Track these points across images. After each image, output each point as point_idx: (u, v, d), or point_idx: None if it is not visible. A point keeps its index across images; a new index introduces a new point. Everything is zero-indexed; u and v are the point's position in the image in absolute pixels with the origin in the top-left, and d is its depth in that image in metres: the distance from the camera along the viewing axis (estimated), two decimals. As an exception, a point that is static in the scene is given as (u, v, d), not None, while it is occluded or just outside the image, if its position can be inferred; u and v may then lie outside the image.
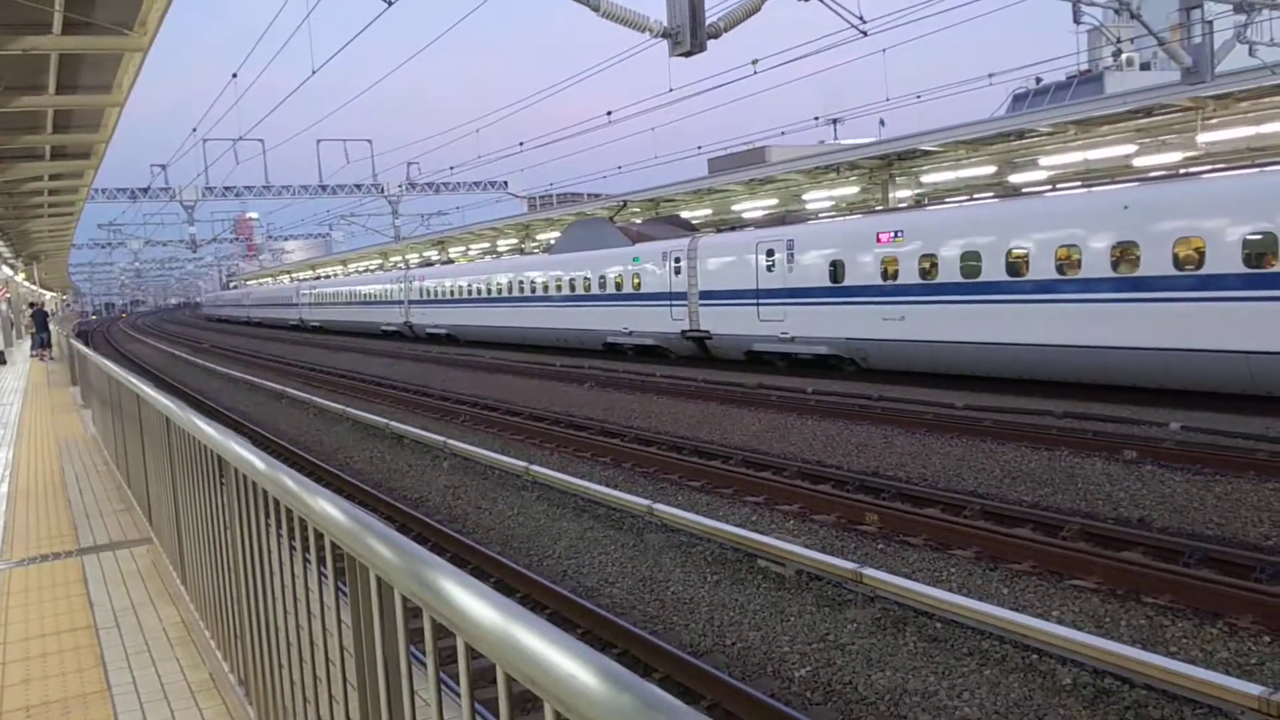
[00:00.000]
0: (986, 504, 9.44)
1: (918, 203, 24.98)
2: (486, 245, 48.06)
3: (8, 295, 41.21)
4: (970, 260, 16.43)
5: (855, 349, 18.92)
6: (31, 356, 29.74)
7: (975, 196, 21.86)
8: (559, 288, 29.34)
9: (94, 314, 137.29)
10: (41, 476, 9.14)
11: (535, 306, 30.81)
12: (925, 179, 24.41)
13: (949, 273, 16.81)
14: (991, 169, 22.30)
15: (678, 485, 11.49)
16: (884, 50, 21.86)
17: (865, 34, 12.43)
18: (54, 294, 71.48)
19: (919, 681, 6.02)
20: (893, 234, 17.89)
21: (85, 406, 13.76)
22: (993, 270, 16.06)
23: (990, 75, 23.55)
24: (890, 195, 23.69)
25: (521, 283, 31.63)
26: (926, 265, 17.26)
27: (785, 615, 7.24)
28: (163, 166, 43.67)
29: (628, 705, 0.99)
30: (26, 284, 50.35)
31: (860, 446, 12.81)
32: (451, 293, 37.31)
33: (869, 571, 7.25)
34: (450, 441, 14.29)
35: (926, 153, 21.65)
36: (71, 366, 18.27)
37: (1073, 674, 5.86)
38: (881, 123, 37.87)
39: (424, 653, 1.63)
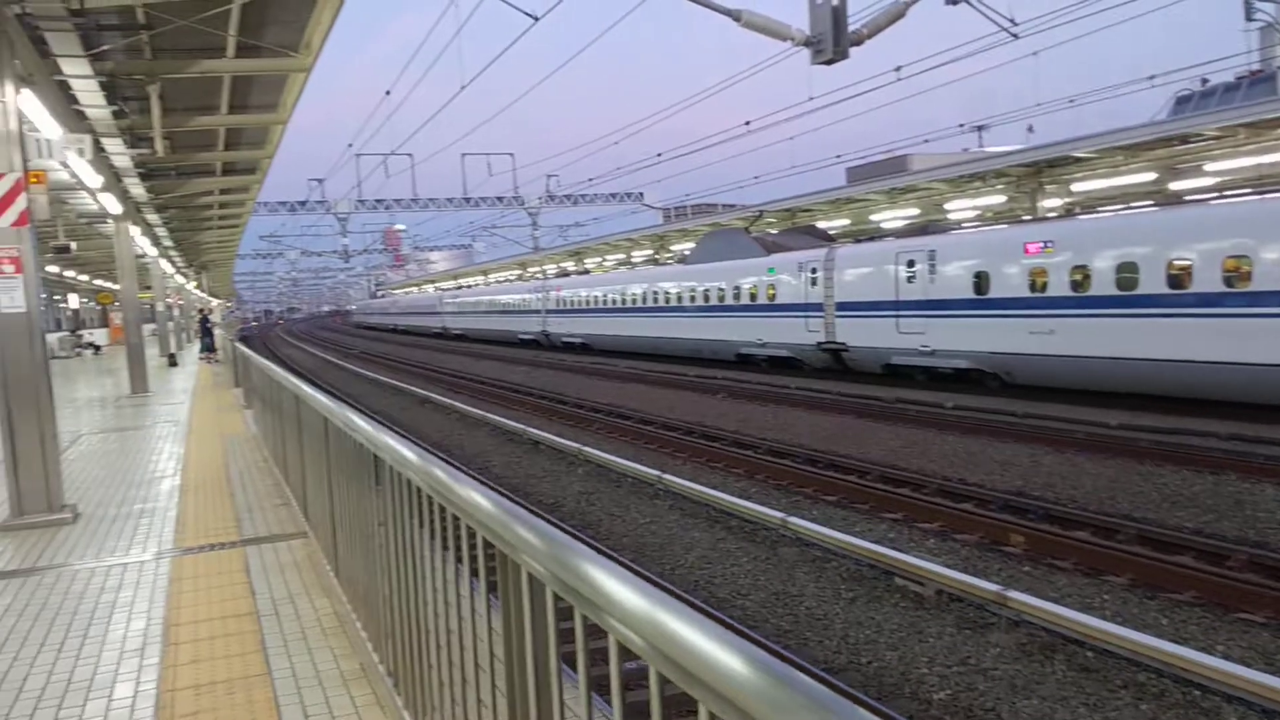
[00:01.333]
0: (1143, 529, 8.91)
1: (1068, 212, 23.88)
2: (621, 256, 48.67)
3: (180, 302, 44.27)
4: (1127, 272, 15.60)
5: (999, 363, 18.22)
6: (200, 359, 31.81)
7: (1132, 205, 20.74)
8: (693, 298, 29.41)
9: (254, 320, 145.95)
10: (208, 471, 9.75)
11: (669, 317, 30.97)
12: (1077, 187, 23.32)
13: (1103, 285, 16.00)
14: (1151, 176, 21.12)
15: (812, 499, 11.31)
16: (1035, 53, 21.03)
17: (1016, 37, 11.99)
18: (219, 301, 76.43)
19: (1068, 712, 5.73)
20: (1042, 244, 17.16)
21: (247, 407, 14.63)
22: (1151, 282, 15.19)
23: (1151, 77, 22.33)
24: (1039, 204, 22.75)
25: (655, 293, 31.86)
26: (1078, 277, 16.48)
27: (924, 636, 7.02)
28: (319, 180, 46.16)
29: (791, 701, 0.97)
30: (196, 292, 53.98)
31: (1004, 464, 12.32)
32: (587, 303, 37.93)
33: (1014, 594, 6.96)
34: (585, 448, 14.50)
35: (1079, 159, 20.70)
36: (235, 369, 19.46)
37: (1239, 713, 5.46)
38: (1030, 129, 36.43)
39: (573, 650, 1.64)
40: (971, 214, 27.32)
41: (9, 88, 7.25)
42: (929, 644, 6.89)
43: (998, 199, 24.95)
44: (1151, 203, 20.22)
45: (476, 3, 13.43)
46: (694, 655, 1.14)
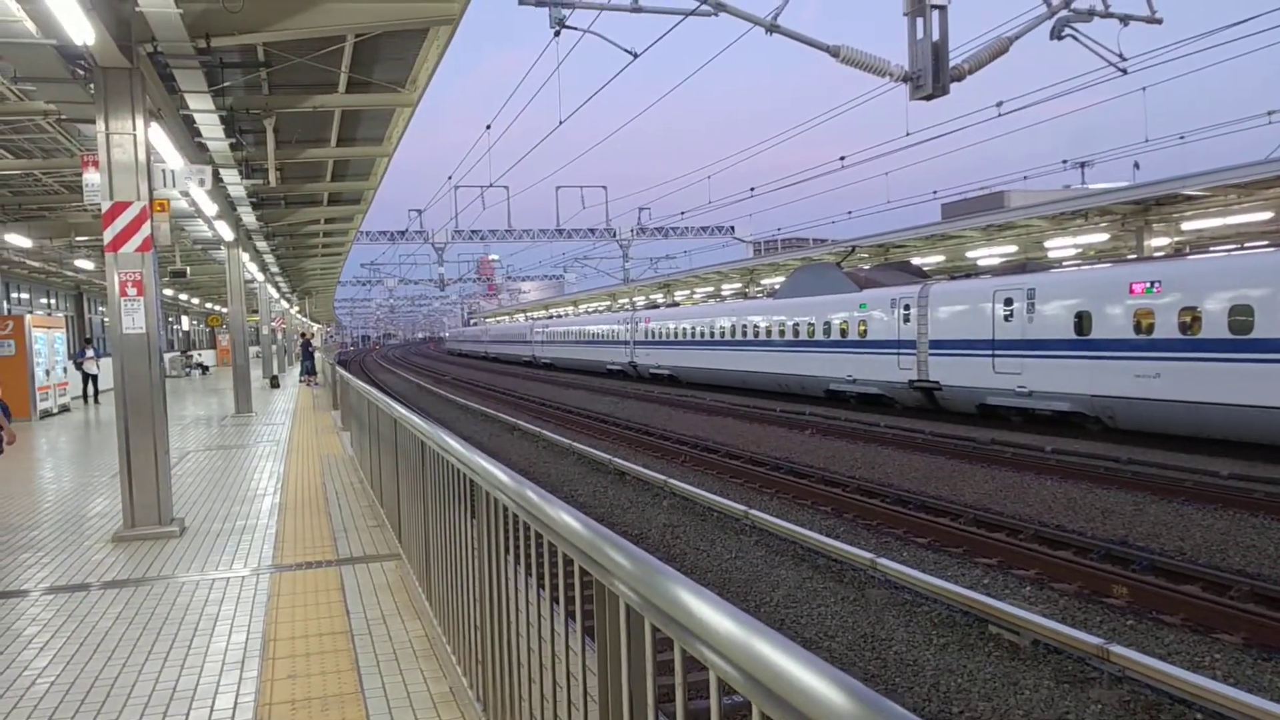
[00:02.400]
0: (1258, 586, 8.44)
1: (1177, 251, 23.03)
2: (710, 289, 48.70)
3: (283, 326, 45.93)
4: (1241, 315, 14.93)
5: (1102, 407, 17.59)
6: (299, 382, 32.89)
7: (1246, 245, 19.90)
8: (782, 332, 29.22)
9: (352, 345, 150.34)
10: (307, 491, 10.05)
11: (757, 351, 30.81)
12: (1186, 225, 22.49)
13: (1215, 328, 15.34)
14: (1267, 215, 20.23)
15: (902, 540, 11.06)
16: (1144, 89, 20.41)
17: (1125, 72, 11.67)
18: (320, 326, 79.01)
19: (1176, 777, 5.44)
20: (1148, 284, 16.57)
21: (344, 429, 15.05)
22: (1268, 326, 14.51)
23: (1270, 112, 21.42)
24: (1145, 243, 21.99)
25: (744, 326, 31.76)
26: (1188, 319, 15.85)
27: (1019, 688, 6.77)
28: (419, 211, 47.49)
29: None
30: (299, 316, 55.93)
31: (1106, 512, 11.86)
32: (675, 335, 38.01)
33: (1117, 649, 6.66)
34: (670, 480, 14.48)
35: (1189, 197, 19.96)
36: (334, 391, 20.06)
37: (1369, 790, 5.11)
38: (1136, 166, 35.30)
39: (670, 684, 1.64)
40: (1072, 252, 26.57)
41: (140, 121, 7.69)
42: (1024, 696, 6.64)
43: (1101, 237, 24.20)
44: (1267, 243, 19.36)
45: (576, 39, 13.74)
46: (800, 691, 1.12)
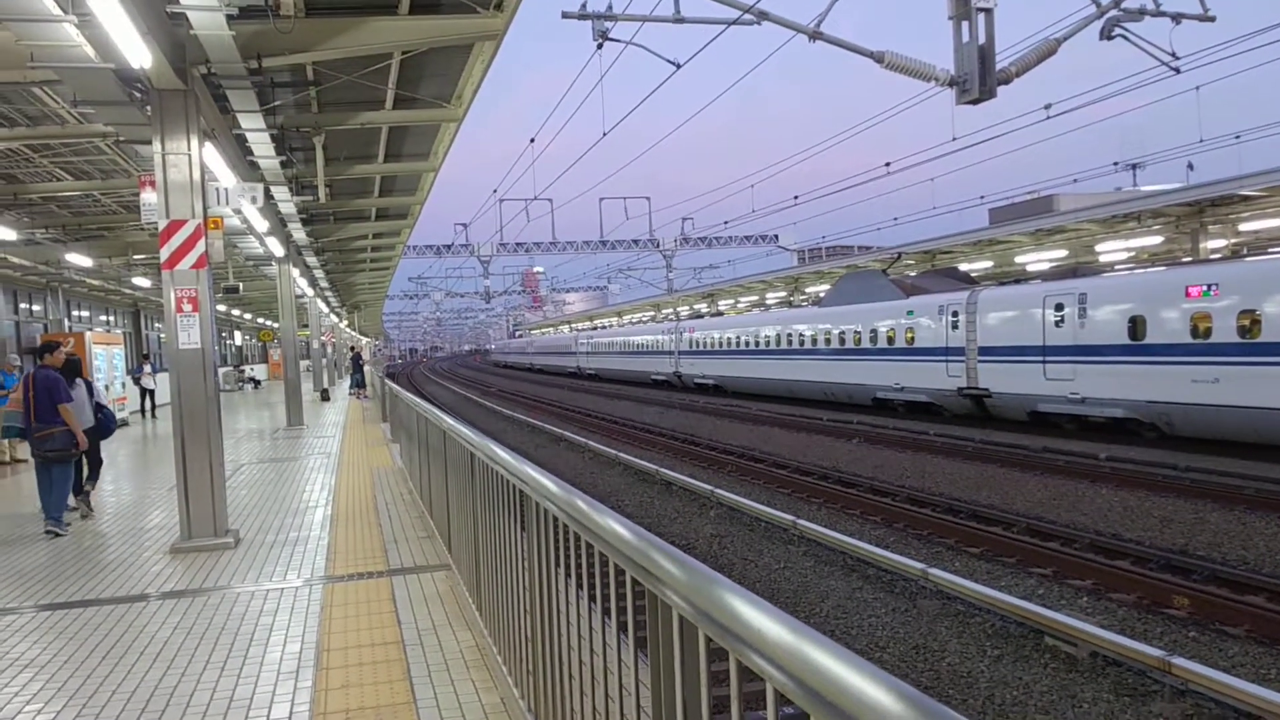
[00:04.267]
0: (1326, 596, 8.19)
1: (1235, 253, 22.49)
2: (755, 298, 48.55)
3: (333, 340, 46.62)
4: (1303, 317, 14.54)
5: (1157, 413, 17.21)
6: (349, 395, 33.34)
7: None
8: (828, 341, 29.02)
9: (399, 359, 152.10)
10: (358, 503, 10.18)
11: (803, 359, 30.63)
12: (1244, 227, 21.96)
13: (1276, 331, 14.94)
14: (1329, 215, 19.70)
15: (954, 550, 10.90)
16: (1197, 88, 19.97)
17: (1178, 71, 11.43)
18: (369, 339, 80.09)
19: (1243, 794, 5.29)
20: (1205, 287, 16.19)
21: (394, 441, 15.23)
22: (1331, 329, 14.10)
23: (1328, 110, 20.81)
24: (1201, 245, 21.51)
25: (789, 335, 31.59)
26: (1246, 322, 15.46)
27: (1078, 701, 6.63)
28: (465, 225, 47.97)
29: None
30: (348, 330, 56.75)
31: (1164, 521, 11.58)
32: (720, 344, 37.92)
33: (1179, 661, 6.50)
34: (717, 490, 14.43)
35: (1246, 198, 19.50)
36: (383, 404, 20.31)
37: None
38: (1190, 167, 34.55)
39: (725, 696, 1.62)
40: (1124, 256, 26.07)
41: (194, 141, 7.88)
42: (1083, 709, 6.50)
43: (1154, 240, 23.72)
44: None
45: (619, 51, 13.81)
46: (858, 701, 1.11)
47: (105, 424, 10.57)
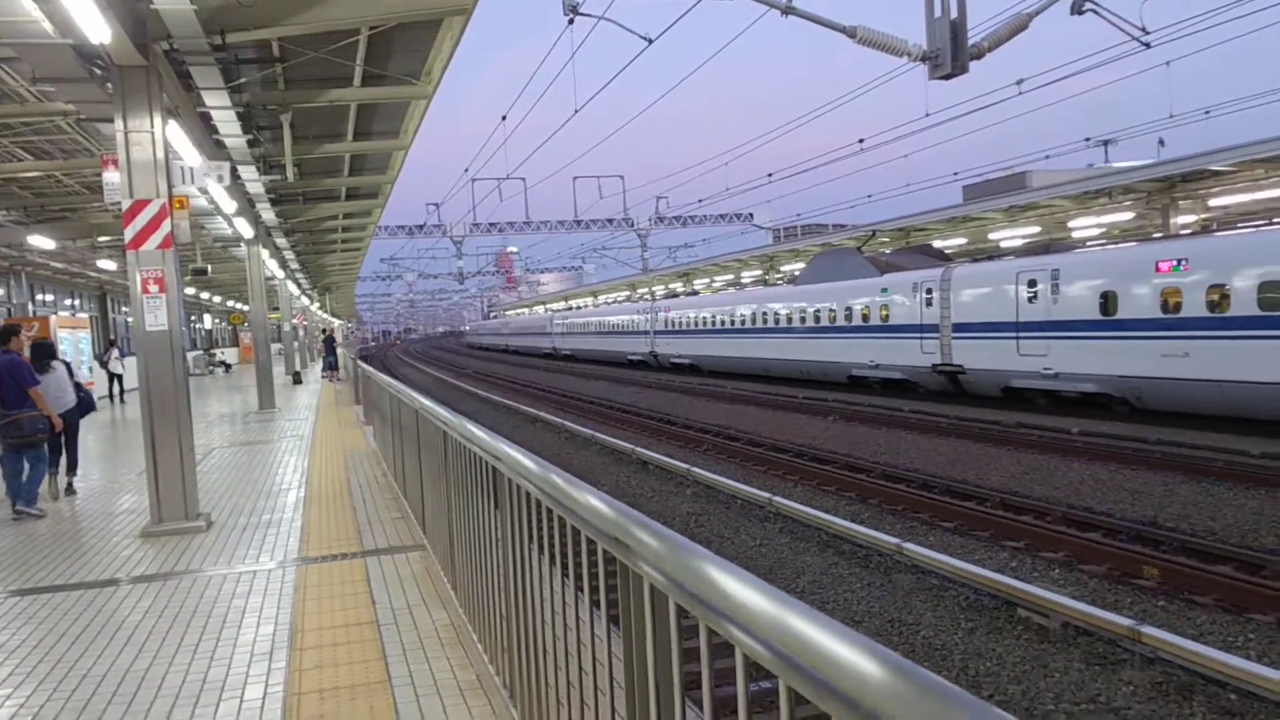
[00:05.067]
0: (1292, 565, 8.33)
1: (1205, 228, 22.72)
2: (730, 277, 48.59)
3: (304, 323, 46.22)
4: (1271, 292, 14.70)
5: (1128, 387, 17.40)
6: (322, 378, 33.08)
7: (1275, 220, 19.59)
8: (803, 319, 29.09)
9: (373, 341, 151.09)
10: (331, 485, 10.10)
11: (778, 338, 30.70)
12: (1214, 202, 22.18)
13: (1244, 305, 15.12)
14: (1295, 189, 19.92)
15: (928, 525, 10.99)
16: (1168, 63, 20.06)
17: (1148, 46, 11.47)
18: (341, 322, 79.53)
19: (1211, 758, 5.37)
20: (1175, 262, 16.35)
21: (367, 423, 15.13)
22: (1298, 302, 14.28)
23: (1295, 86, 21.01)
24: (1171, 221, 21.71)
25: (765, 314, 31.64)
26: (1215, 297, 15.63)
27: (1049, 671, 6.71)
28: (437, 205, 47.64)
29: (937, 709, 0.91)
30: (320, 313, 56.27)
31: (1135, 493, 11.73)
32: (695, 324, 37.94)
33: (1149, 630, 6.59)
34: (693, 469, 14.46)
35: (1216, 173, 19.69)
36: (356, 386, 20.17)
37: None
38: (1161, 143, 34.81)
39: (697, 671, 1.61)
40: (1096, 232, 26.28)
41: (157, 119, 7.72)
42: (1055, 679, 6.58)
43: (1125, 216, 23.92)
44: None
45: (591, 26, 13.67)
46: (827, 661, 1.09)
47: (86, 402, 10.66)
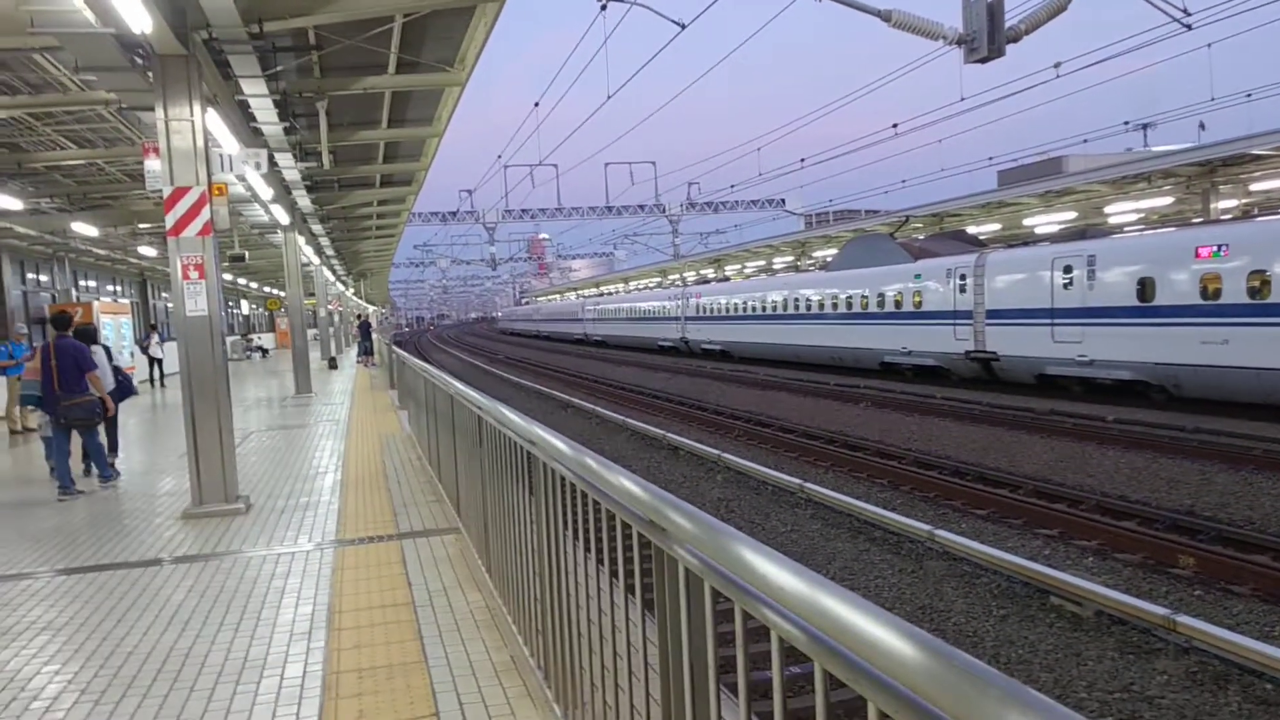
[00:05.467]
0: (1332, 555, 8.21)
1: (1246, 213, 22.31)
2: (762, 263, 48.39)
3: (339, 309, 46.66)
4: (1314, 277, 14.44)
5: (1165, 375, 17.17)
6: (357, 363, 33.40)
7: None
8: (835, 305, 28.94)
9: (406, 327, 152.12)
10: (367, 468, 10.24)
11: (810, 324, 30.57)
12: (1255, 187, 21.76)
13: (1286, 291, 14.85)
14: (1341, 174, 19.51)
15: (960, 512, 10.95)
16: (1209, 45, 19.67)
17: (1190, 28, 11.27)
18: (375, 308, 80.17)
19: (1246, 748, 5.34)
20: (1215, 248, 16.09)
21: (402, 408, 15.28)
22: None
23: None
24: (1212, 206, 21.34)
25: (796, 300, 31.52)
26: (1257, 283, 15.36)
27: (1082, 659, 6.69)
28: (469, 191, 47.81)
29: (974, 690, 0.93)
30: (354, 299, 56.77)
31: (1171, 482, 11.60)
32: (727, 310, 37.86)
33: (1184, 619, 6.54)
34: (724, 455, 14.48)
35: (1258, 157, 19.31)
36: (390, 371, 20.36)
37: None
38: (1202, 126, 34.13)
39: (732, 655, 1.64)
40: (1134, 217, 25.89)
41: (197, 107, 7.84)
42: (1088, 667, 6.55)
43: (1164, 201, 23.54)
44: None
45: (624, 12, 13.65)
46: (864, 642, 1.11)
47: (125, 386, 10.92)
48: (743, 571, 1.48)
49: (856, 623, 1.12)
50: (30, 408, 10.00)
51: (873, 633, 1.08)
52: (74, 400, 9.28)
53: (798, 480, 12.18)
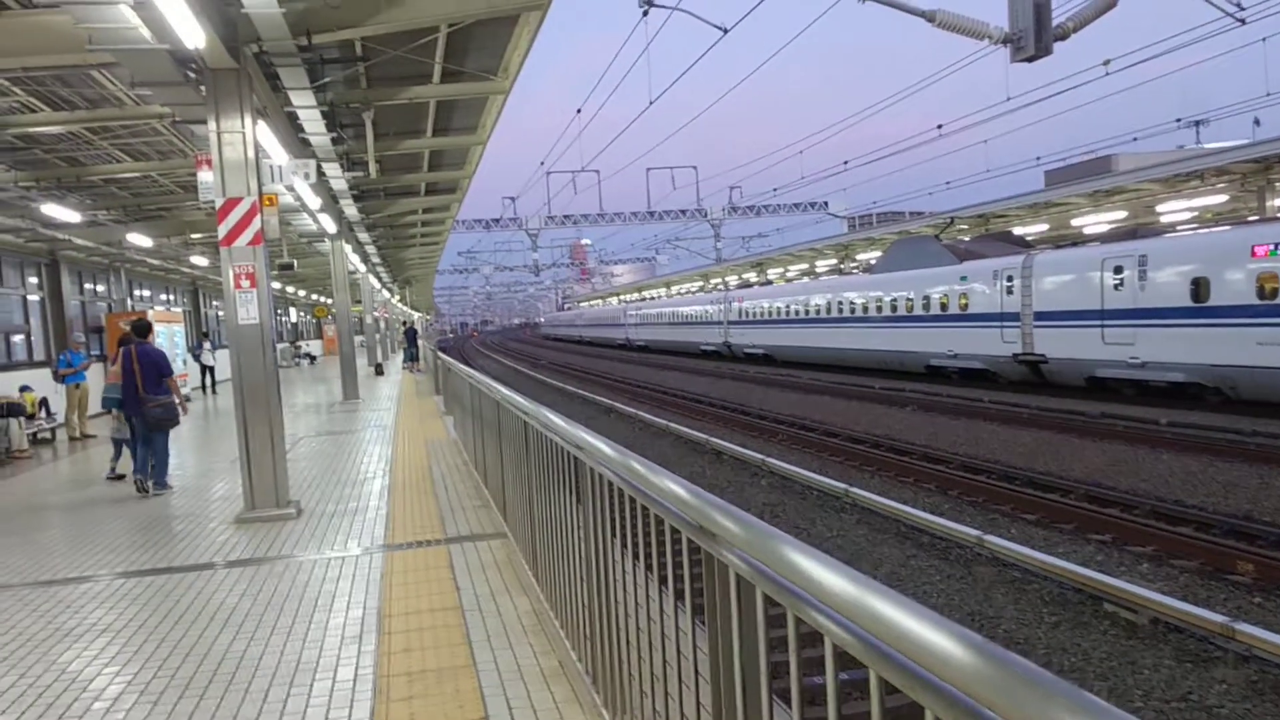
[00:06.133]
0: (1399, 562, 7.97)
1: (1304, 211, 21.73)
2: (805, 266, 48.11)
3: (385, 315, 47.22)
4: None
5: (1222, 377, 16.78)
6: (403, 369, 33.76)
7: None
8: (879, 308, 28.70)
9: (450, 333, 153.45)
10: (414, 473, 10.35)
11: (854, 327, 30.34)
12: (1314, 183, 21.18)
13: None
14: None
15: (1010, 517, 10.79)
16: (1264, 39, 19.23)
17: (1243, 22, 11.02)
18: (420, 314, 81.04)
19: (1310, 760, 5.20)
20: (1273, 246, 15.70)
21: (448, 414, 15.43)
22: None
23: (1404, 59, 19.96)
24: (1268, 203, 20.83)
25: (840, 303, 31.30)
26: (1317, 282, 14.97)
27: (1138, 667, 6.55)
28: (513, 198, 48.17)
29: (1033, 694, 0.92)
30: (400, 306, 57.40)
31: (1228, 486, 11.33)
32: (770, 313, 37.70)
33: (1243, 627, 6.39)
34: (768, 459, 14.41)
35: (1316, 153, 18.80)
36: (436, 377, 20.57)
37: None
38: (1256, 122, 33.39)
39: (784, 661, 1.63)
40: (1186, 216, 25.34)
41: (248, 120, 8.00)
42: (1144, 676, 6.42)
43: (1218, 199, 23.01)
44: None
45: (665, 17, 13.67)
46: (920, 648, 1.11)
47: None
48: (795, 576, 1.48)
49: (913, 628, 1.12)
50: (114, 411, 10.48)
51: (929, 638, 1.08)
52: (156, 401, 9.91)
53: (843, 485, 12.09)
